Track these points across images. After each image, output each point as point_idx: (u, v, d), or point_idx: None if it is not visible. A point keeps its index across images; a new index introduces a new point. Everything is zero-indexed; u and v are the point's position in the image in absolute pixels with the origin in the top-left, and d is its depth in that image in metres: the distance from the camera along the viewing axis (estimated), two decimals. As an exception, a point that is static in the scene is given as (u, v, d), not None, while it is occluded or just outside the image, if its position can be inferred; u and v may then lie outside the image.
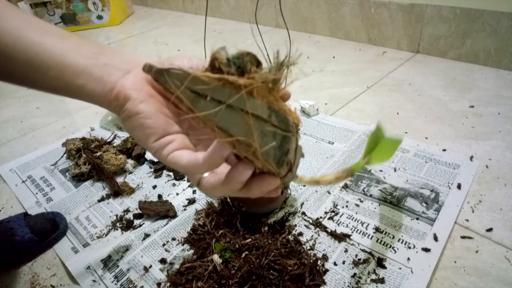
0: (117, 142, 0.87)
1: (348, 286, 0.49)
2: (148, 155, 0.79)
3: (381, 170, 0.69)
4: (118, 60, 0.31)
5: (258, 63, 0.23)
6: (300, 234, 0.58)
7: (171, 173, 0.75)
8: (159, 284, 0.52)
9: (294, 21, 1.50)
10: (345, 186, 0.66)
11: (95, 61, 0.30)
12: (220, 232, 0.57)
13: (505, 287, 0.48)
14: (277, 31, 1.56)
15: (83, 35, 1.84)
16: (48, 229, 0.61)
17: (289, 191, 0.65)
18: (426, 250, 0.53)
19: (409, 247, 0.54)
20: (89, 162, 0.76)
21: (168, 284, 0.52)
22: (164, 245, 0.58)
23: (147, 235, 0.60)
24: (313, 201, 0.63)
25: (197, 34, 1.66)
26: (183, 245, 0.58)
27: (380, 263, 0.52)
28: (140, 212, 0.65)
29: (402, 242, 0.55)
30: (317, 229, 0.58)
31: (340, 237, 0.56)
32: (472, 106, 0.87)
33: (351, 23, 1.32)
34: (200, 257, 0.54)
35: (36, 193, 0.73)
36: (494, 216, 0.58)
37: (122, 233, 0.62)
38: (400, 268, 0.51)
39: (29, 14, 0.32)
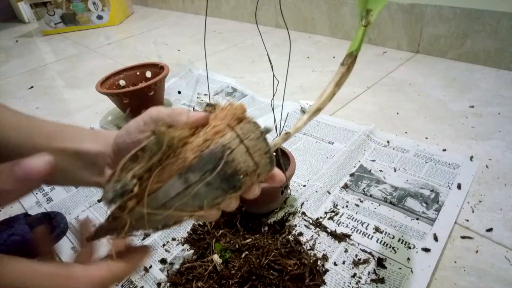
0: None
1: (348, 286, 0.49)
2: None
3: (381, 170, 0.69)
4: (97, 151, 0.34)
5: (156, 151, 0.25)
6: (300, 234, 0.58)
7: (171, 173, 0.75)
8: (159, 284, 0.52)
9: (294, 21, 1.50)
10: (345, 186, 0.66)
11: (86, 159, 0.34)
12: (220, 232, 0.57)
13: (505, 287, 0.48)
14: (277, 31, 1.56)
15: (83, 35, 1.84)
16: (48, 228, 0.61)
17: (289, 191, 0.65)
18: (426, 250, 0.53)
19: (409, 247, 0.54)
20: (89, 162, 0.76)
21: (168, 284, 0.52)
22: (164, 245, 0.58)
23: (147, 235, 0.60)
24: (313, 201, 0.63)
25: (197, 34, 1.66)
26: (183, 245, 0.58)
27: (380, 263, 0.52)
28: (140, 212, 0.65)
29: (402, 242, 0.55)
30: (317, 229, 0.58)
31: (340, 237, 0.56)
32: (472, 106, 0.87)
33: (351, 23, 1.32)
34: (200, 257, 0.54)
35: (36, 193, 0.73)
36: (494, 216, 0.58)
37: (122, 233, 0.62)
38: (400, 268, 0.51)
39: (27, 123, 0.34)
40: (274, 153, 0.61)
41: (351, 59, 0.30)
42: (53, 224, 0.62)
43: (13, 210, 0.70)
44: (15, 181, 0.21)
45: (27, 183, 0.22)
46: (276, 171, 0.30)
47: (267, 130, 0.28)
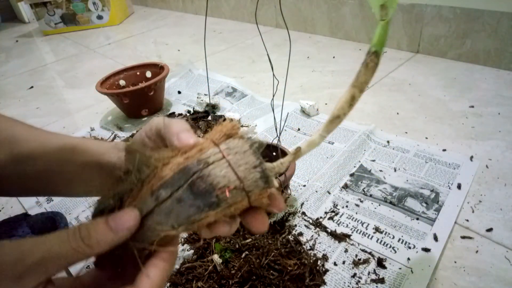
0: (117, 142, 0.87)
1: (348, 286, 0.49)
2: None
3: (381, 170, 0.69)
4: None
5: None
6: (300, 234, 0.58)
7: (171, 173, 0.75)
8: (159, 284, 0.52)
9: (294, 21, 1.50)
10: (345, 186, 0.66)
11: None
12: (220, 232, 0.57)
13: (505, 287, 0.48)
14: (277, 31, 1.56)
15: (83, 35, 1.84)
16: (48, 228, 0.61)
17: (289, 191, 0.65)
18: (426, 250, 0.53)
19: (409, 247, 0.54)
20: (89, 162, 0.76)
21: (168, 284, 0.52)
22: (164, 245, 0.58)
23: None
24: (313, 201, 0.63)
25: (197, 34, 1.66)
26: (183, 245, 0.58)
27: (380, 263, 0.52)
28: (140, 212, 0.65)
29: (402, 242, 0.55)
30: (317, 229, 0.58)
31: (340, 237, 0.56)
32: (472, 106, 0.87)
33: (351, 23, 1.32)
34: (200, 257, 0.54)
35: (36, 193, 0.73)
36: (494, 216, 0.58)
37: (122, 233, 0.62)
38: (400, 268, 0.51)
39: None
40: (275, 154, 0.60)
41: (370, 56, 0.27)
42: (57, 226, 0.62)
43: (13, 210, 0.70)
44: (108, 232, 0.24)
45: (119, 236, 0.24)
46: (278, 195, 0.27)
47: (260, 145, 0.26)
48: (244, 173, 0.24)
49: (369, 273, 0.51)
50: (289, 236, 0.57)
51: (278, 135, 0.60)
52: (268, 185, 0.25)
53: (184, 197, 0.23)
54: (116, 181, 0.26)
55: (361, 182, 0.67)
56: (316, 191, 0.65)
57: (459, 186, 0.63)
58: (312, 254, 0.54)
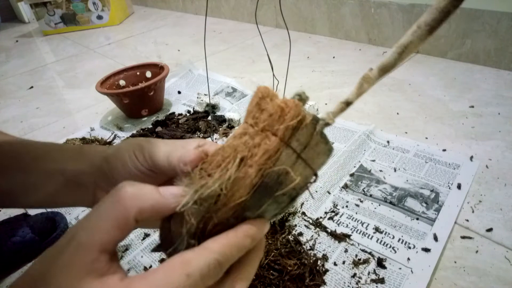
0: (117, 142, 0.87)
1: (348, 286, 0.49)
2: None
3: (381, 170, 0.69)
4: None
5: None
6: (300, 234, 0.58)
7: (171, 173, 0.75)
8: (159, 284, 0.52)
9: (294, 21, 1.50)
10: (345, 186, 0.66)
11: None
12: (220, 232, 0.57)
13: (505, 287, 0.48)
14: (277, 31, 1.56)
15: (83, 35, 1.84)
16: (48, 228, 0.61)
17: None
18: (426, 250, 0.53)
19: (409, 247, 0.54)
20: (89, 162, 0.76)
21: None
22: (164, 245, 0.58)
23: (147, 235, 0.60)
24: (313, 201, 0.63)
25: (197, 34, 1.66)
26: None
27: (380, 263, 0.52)
28: (140, 212, 0.65)
29: (402, 242, 0.55)
30: (317, 229, 0.59)
31: (340, 237, 0.56)
32: (472, 106, 0.87)
33: (351, 23, 1.32)
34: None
35: (36, 193, 0.73)
36: (494, 216, 0.58)
37: (122, 233, 0.62)
38: (400, 268, 0.51)
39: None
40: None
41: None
42: (56, 226, 0.62)
43: (13, 210, 0.70)
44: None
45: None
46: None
47: (323, 122, 0.24)
48: (317, 161, 0.25)
49: (369, 273, 0.51)
50: (289, 236, 0.57)
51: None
52: (331, 152, 0.26)
53: (269, 208, 0.23)
54: (177, 223, 0.23)
55: (361, 182, 0.67)
56: (316, 191, 0.65)
57: (459, 186, 0.63)
58: (312, 254, 0.54)
